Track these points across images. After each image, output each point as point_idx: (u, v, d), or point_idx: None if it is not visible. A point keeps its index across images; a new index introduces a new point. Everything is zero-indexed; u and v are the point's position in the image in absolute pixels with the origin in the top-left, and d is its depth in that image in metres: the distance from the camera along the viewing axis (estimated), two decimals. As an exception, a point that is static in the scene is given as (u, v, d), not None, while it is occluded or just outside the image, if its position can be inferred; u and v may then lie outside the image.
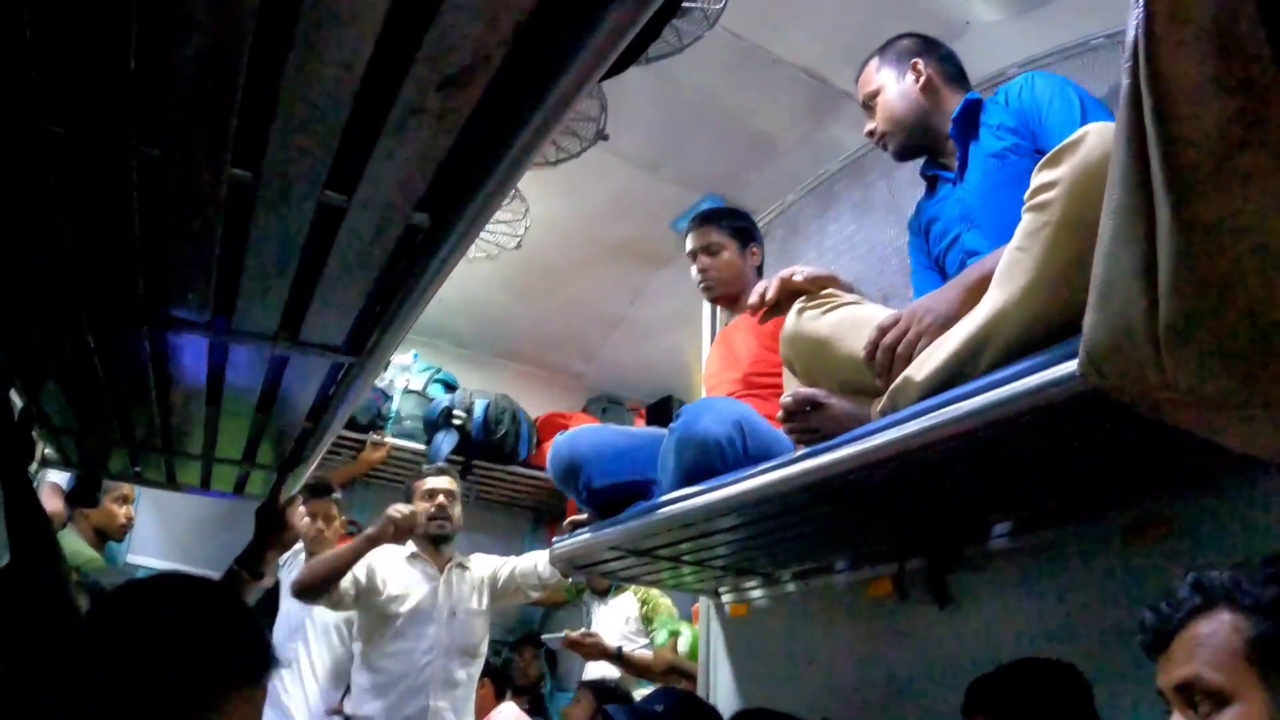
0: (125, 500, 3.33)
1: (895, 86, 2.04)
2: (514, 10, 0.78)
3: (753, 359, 2.45)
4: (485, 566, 3.39)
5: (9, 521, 1.62)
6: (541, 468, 3.36)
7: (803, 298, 1.79)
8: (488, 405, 4.60)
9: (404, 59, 0.83)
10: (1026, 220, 1.35)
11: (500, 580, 3.36)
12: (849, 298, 1.78)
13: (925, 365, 1.45)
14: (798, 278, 1.81)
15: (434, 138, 0.94)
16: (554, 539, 2.52)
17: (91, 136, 0.97)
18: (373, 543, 2.97)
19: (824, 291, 1.79)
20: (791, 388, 1.81)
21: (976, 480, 1.66)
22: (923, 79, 2.01)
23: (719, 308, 2.97)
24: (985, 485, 1.70)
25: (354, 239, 1.13)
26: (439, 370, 4.77)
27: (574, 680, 4.22)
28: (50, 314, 1.40)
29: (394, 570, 3.22)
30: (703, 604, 2.93)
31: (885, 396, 1.53)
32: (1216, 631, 0.98)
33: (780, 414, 1.74)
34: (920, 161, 2.11)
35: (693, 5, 2.63)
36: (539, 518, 5.27)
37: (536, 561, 3.35)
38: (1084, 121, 1.67)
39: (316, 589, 2.99)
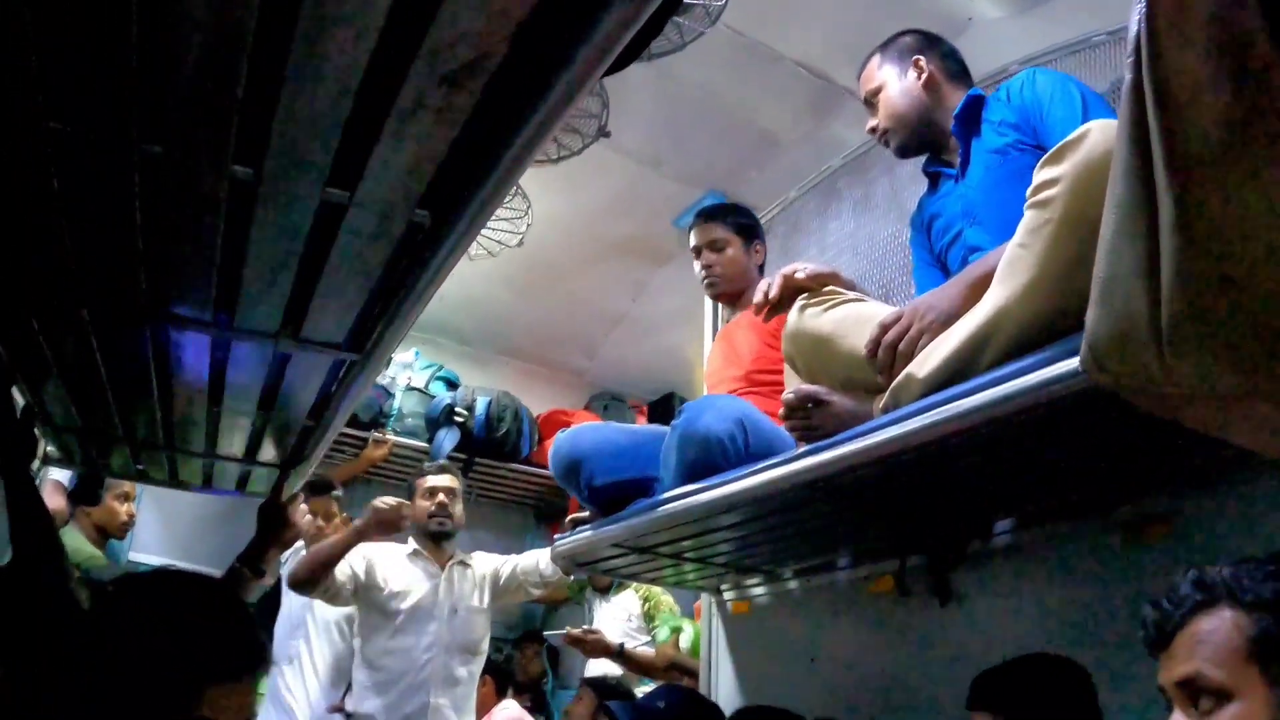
0: (127, 498, 3.33)
1: (897, 83, 2.03)
2: (515, 7, 0.78)
3: (755, 356, 2.45)
4: (487, 564, 3.39)
5: (11, 519, 1.63)
6: (543, 465, 3.36)
7: (805, 295, 1.79)
8: (489, 403, 4.59)
9: (405, 56, 0.83)
10: (1028, 217, 1.34)
11: (502, 578, 3.36)
12: (851, 295, 1.78)
13: (927, 362, 1.45)
14: (800, 275, 1.81)
15: (435, 135, 0.94)
16: (556, 536, 2.52)
17: (93, 134, 0.97)
18: (360, 535, 2.97)
19: (826, 289, 1.78)
20: (793, 385, 1.81)
21: (978, 477, 1.65)
22: (925, 75, 2.01)
23: (720, 305, 2.97)
24: (987, 482, 1.70)
25: (355, 236, 1.13)
26: (441, 368, 4.77)
27: (576, 677, 4.22)
28: (52, 312, 1.41)
29: (395, 567, 3.22)
30: (704, 601, 2.93)
31: (887, 394, 1.53)
32: (1218, 629, 0.98)
33: (782, 411, 1.74)
34: (922, 158, 2.11)
35: (695, 2, 2.63)
36: (541, 515, 5.27)
37: (538, 559, 3.35)
38: (1085, 118, 1.66)
39: (309, 580, 2.99)
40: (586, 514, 2.36)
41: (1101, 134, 1.26)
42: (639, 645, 3.74)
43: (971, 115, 1.93)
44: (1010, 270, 1.35)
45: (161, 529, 4.22)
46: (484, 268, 3.95)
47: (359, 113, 0.91)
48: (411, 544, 3.31)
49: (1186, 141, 0.72)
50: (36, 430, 1.89)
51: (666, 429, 2.10)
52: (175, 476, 2.31)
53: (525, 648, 4.70)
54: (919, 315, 1.54)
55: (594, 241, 4.24)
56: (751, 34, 3.07)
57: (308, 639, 3.49)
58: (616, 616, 4.03)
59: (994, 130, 1.88)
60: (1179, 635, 1.02)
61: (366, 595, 3.16)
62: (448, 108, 0.90)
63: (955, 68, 2.04)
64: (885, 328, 1.56)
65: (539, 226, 3.81)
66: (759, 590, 2.68)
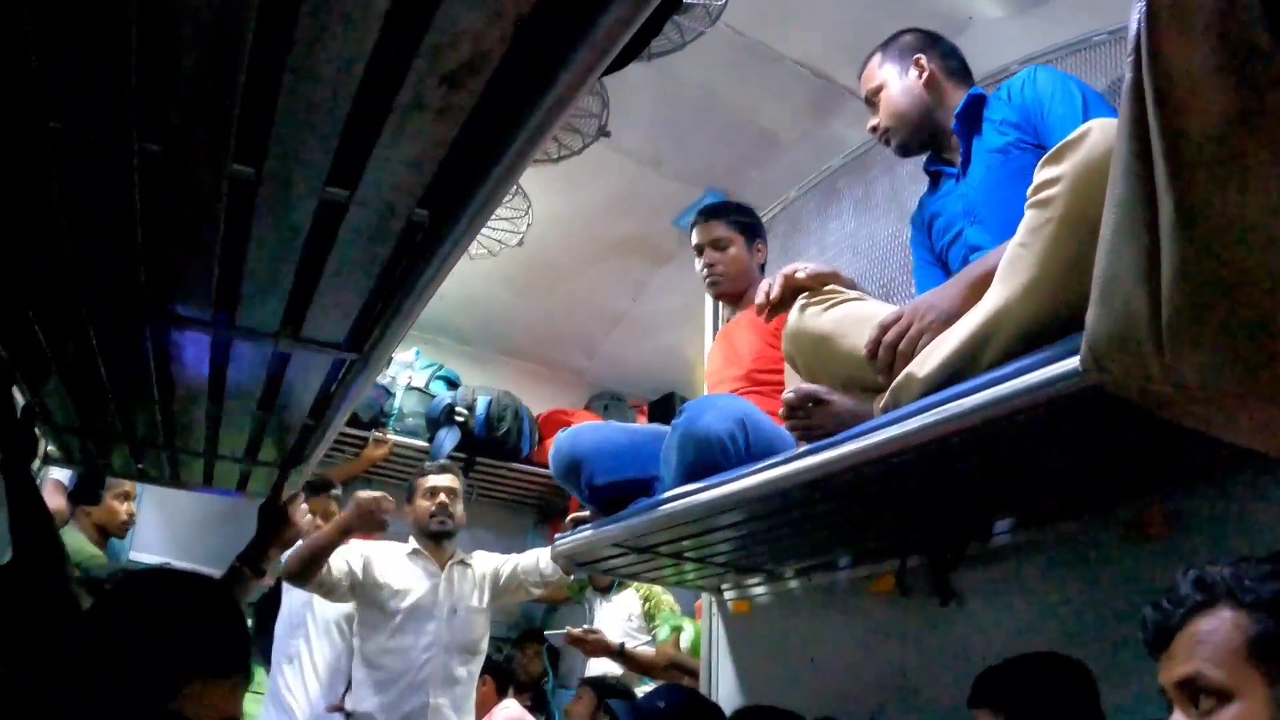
0: (127, 497, 3.33)
1: (898, 82, 2.03)
2: (515, 6, 0.78)
3: (755, 355, 2.45)
4: (487, 564, 3.39)
5: (11, 519, 1.63)
6: (544, 465, 3.36)
7: (805, 294, 1.79)
8: (490, 402, 4.59)
9: (405, 55, 0.83)
10: (1029, 217, 1.34)
11: (502, 577, 3.36)
12: (851, 294, 1.78)
13: (927, 362, 1.45)
14: (800, 274, 1.81)
15: (435, 134, 0.94)
16: (556, 536, 2.52)
17: (93, 134, 0.97)
18: (345, 528, 2.95)
19: (826, 288, 1.79)
20: (794, 384, 1.81)
21: (978, 477, 1.65)
22: (925, 74, 2.00)
23: (721, 304, 2.97)
24: (987, 482, 1.69)
25: (355, 235, 1.13)
26: (441, 367, 4.76)
27: (576, 677, 4.22)
28: (52, 311, 1.41)
29: (395, 567, 3.22)
30: (705, 601, 2.93)
31: (887, 393, 1.53)
32: (1218, 629, 0.98)
33: (782, 410, 1.74)
34: (923, 157, 2.11)
35: (695, 1, 2.63)
36: (541, 515, 5.27)
37: (538, 558, 3.35)
38: (1086, 117, 1.66)
39: (300, 574, 2.99)
40: (587, 513, 2.36)
41: (1102, 133, 1.26)
42: (639, 645, 3.74)
43: (972, 114, 1.93)
44: (1011, 270, 1.35)
45: (162, 528, 4.22)
46: (484, 267, 3.95)
47: (359, 111, 0.91)
48: (411, 543, 3.31)
49: (1187, 141, 0.72)
50: (37, 430, 1.89)
51: (667, 428, 2.10)
52: (175, 476, 2.31)
53: (526, 647, 4.70)
54: (919, 315, 1.54)
55: (594, 241, 4.24)
56: (751, 33, 3.06)
57: (308, 638, 3.49)
58: (617, 616, 4.02)
59: (995, 129, 1.88)
60: (1179, 635, 1.02)
61: (365, 594, 3.16)
62: (447, 106, 0.89)
63: (956, 66, 2.04)
64: (885, 327, 1.56)
65: (539, 226, 3.81)
66: (759, 590, 2.68)
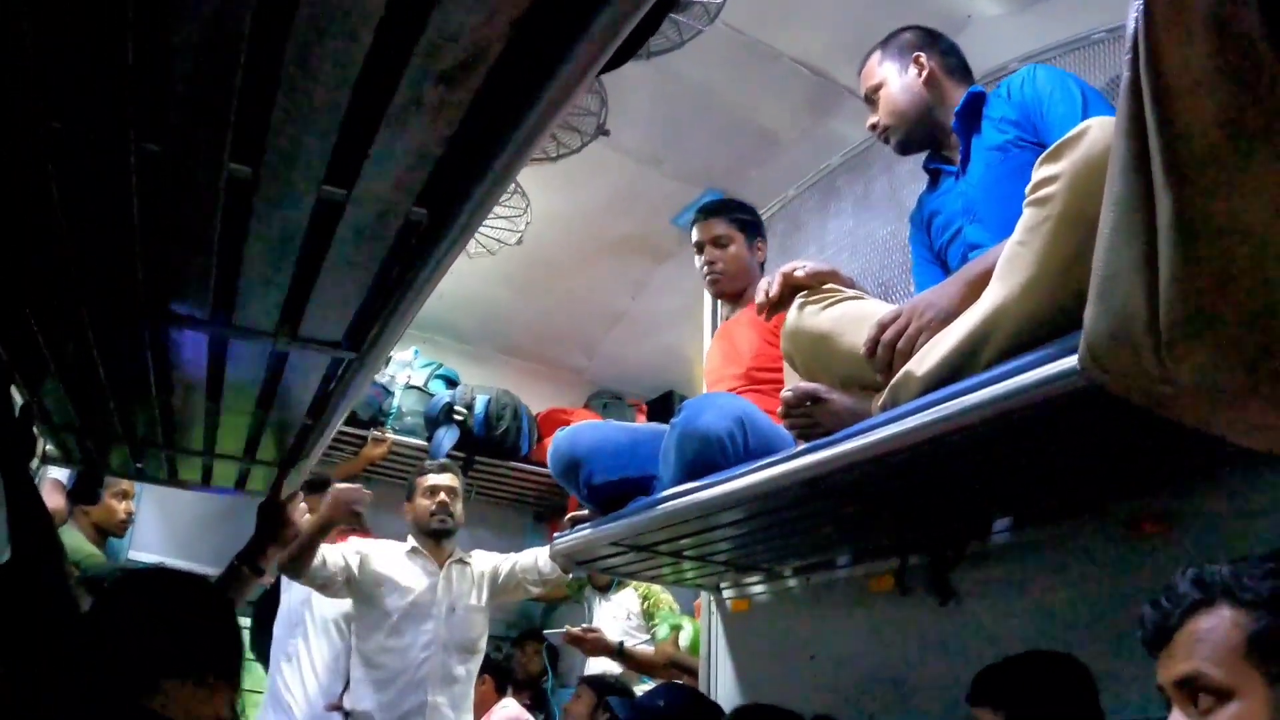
0: (125, 496, 3.33)
1: (898, 80, 2.03)
2: (512, 4, 0.78)
3: (755, 354, 2.45)
4: (485, 562, 3.39)
5: (10, 518, 1.62)
6: (543, 463, 3.36)
7: (804, 293, 1.79)
8: (489, 401, 4.59)
9: (402, 53, 0.83)
10: (1027, 215, 1.34)
11: (500, 576, 3.36)
12: (850, 293, 1.78)
13: (926, 360, 1.45)
14: (799, 273, 1.81)
15: (432, 132, 0.94)
16: (555, 534, 2.52)
17: (91, 133, 0.97)
18: (326, 520, 2.94)
19: (825, 286, 1.79)
20: (792, 383, 1.81)
21: (978, 475, 1.65)
22: (925, 72, 2.00)
23: (720, 302, 2.97)
24: (986, 480, 1.69)
25: (353, 234, 1.13)
26: (440, 366, 4.76)
27: (575, 676, 4.22)
28: (51, 310, 1.40)
29: (394, 565, 3.22)
30: (704, 599, 2.93)
31: (886, 391, 1.52)
32: (1217, 627, 0.98)
33: (781, 409, 1.74)
34: (922, 155, 2.11)
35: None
36: (540, 513, 5.27)
37: (537, 557, 3.35)
38: (1085, 115, 1.66)
39: (291, 568, 3.00)
40: (585, 512, 2.36)
41: (1100, 131, 1.26)
42: (638, 643, 3.74)
43: (972, 112, 1.93)
44: (1009, 268, 1.35)
45: (161, 527, 4.22)
46: (483, 266, 3.94)
47: (356, 110, 0.91)
48: (410, 541, 3.31)
49: (1185, 139, 0.72)
50: (35, 429, 1.89)
51: (666, 427, 2.10)
52: (174, 475, 2.30)
53: (525, 646, 4.70)
54: (917, 313, 1.54)
55: (593, 239, 4.24)
56: (750, 32, 3.06)
57: (306, 637, 3.48)
58: (616, 615, 4.02)
59: (994, 127, 1.88)
60: (1178, 634, 1.01)
61: (363, 592, 3.16)
62: (445, 105, 0.89)
63: (956, 64, 2.04)
64: (884, 326, 1.56)
65: (538, 224, 3.80)
66: (759, 588, 2.68)
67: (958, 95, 1.97)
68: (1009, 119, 1.86)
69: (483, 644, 3.36)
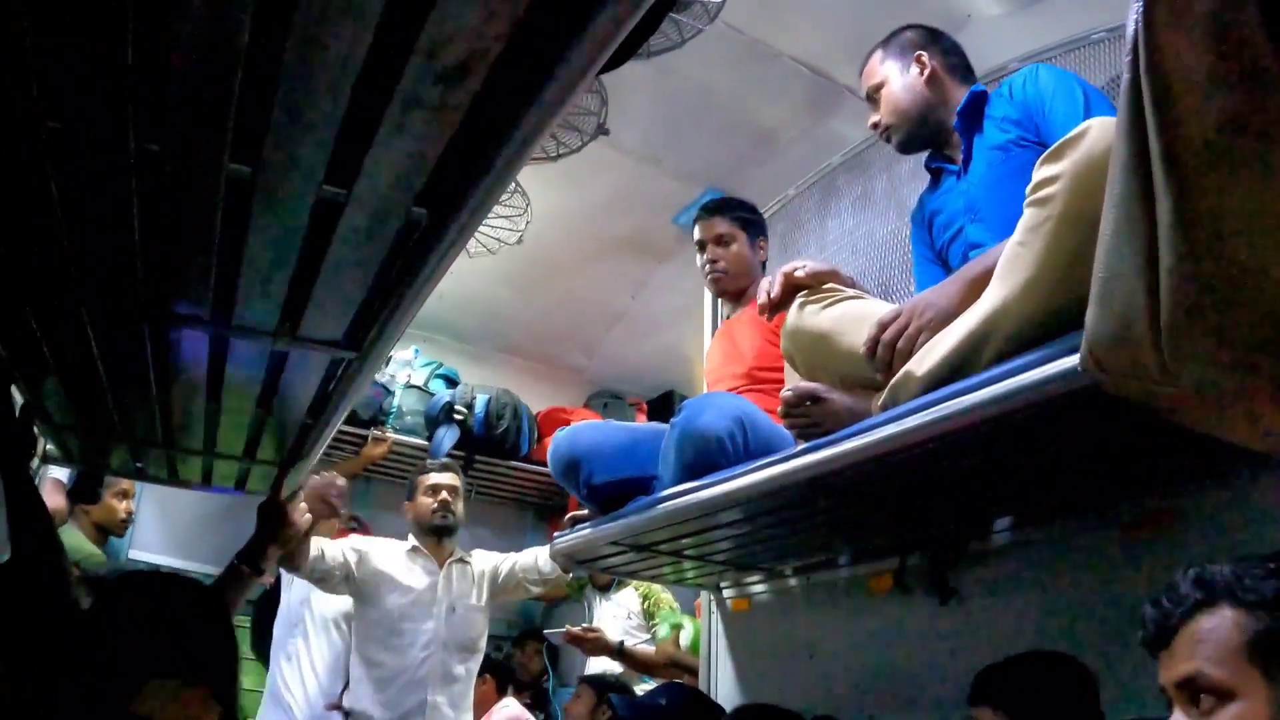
0: (125, 495, 3.33)
1: (900, 79, 2.03)
2: (511, 3, 0.78)
3: (756, 353, 2.45)
4: (485, 562, 3.39)
5: (10, 518, 1.62)
6: (543, 463, 3.36)
7: (804, 292, 1.79)
8: (489, 400, 4.59)
9: (401, 53, 0.83)
10: (1028, 215, 1.34)
11: (500, 575, 3.36)
12: (850, 292, 1.78)
13: (926, 360, 1.45)
14: (799, 273, 1.81)
15: (432, 132, 0.94)
16: (555, 534, 2.52)
17: (90, 133, 0.97)
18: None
19: (825, 286, 1.78)
20: (793, 382, 1.81)
21: (977, 475, 1.65)
22: (927, 71, 2.00)
23: (721, 301, 2.97)
24: (986, 480, 1.69)
25: (353, 234, 1.13)
26: (440, 365, 4.76)
27: (576, 675, 4.22)
28: (51, 310, 1.40)
29: (394, 564, 3.22)
30: (704, 599, 2.93)
31: (886, 391, 1.52)
32: (1218, 628, 0.98)
33: (780, 409, 1.74)
34: (923, 154, 2.11)
35: (693, -1, 2.63)
36: (540, 513, 5.27)
37: (537, 556, 3.35)
38: (1087, 115, 1.66)
39: (286, 561, 2.98)
40: (585, 511, 2.36)
41: (1101, 131, 1.26)
42: (639, 643, 3.74)
43: (974, 111, 1.93)
44: (1009, 268, 1.35)
45: (161, 527, 4.22)
46: (483, 265, 3.94)
47: (355, 111, 0.91)
48: (411, 540, 3.31)
49: (1185, 140, 0.72)
50: (35, 428, 1.89)
51: (665, 427, 2.10)
52: (174, 474, 2.30)
53: (525, 646, 4.71)
54: (917, 313, 1.54)
55: (593, 239, 4.24)
56: (750, 31, 3.06)
57: (306, 636, 3.49)
58: (616, 614, 4.03)
59: (996, 126, 1.88)
60: (1179, 634, 1.01)
61: (363, 590, 3.16)
62: (444, 105, 0.89)
63: (958, 63, 2.04)
64: (884, 325, 1.56)
65: (538, 224, 3.80)
66: (759, 588, 2.68)
67: (960, 94, 1.97)
68: (1011, 118, 1.86)
69: (483, 643, 3.36)
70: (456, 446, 4.45)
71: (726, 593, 2.80)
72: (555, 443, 2.38)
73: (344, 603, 3.34)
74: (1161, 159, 0.74)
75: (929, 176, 2.12)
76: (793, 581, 2.56)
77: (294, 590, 3.51)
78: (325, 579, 3.08)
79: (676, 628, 3.74)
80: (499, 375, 4.97)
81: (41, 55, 0.86)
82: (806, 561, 2.47)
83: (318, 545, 2.99)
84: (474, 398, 4.57)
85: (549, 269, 4.42)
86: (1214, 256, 0.74)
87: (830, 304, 1.75)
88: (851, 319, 1.69)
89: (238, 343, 1.47)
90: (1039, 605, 1.88)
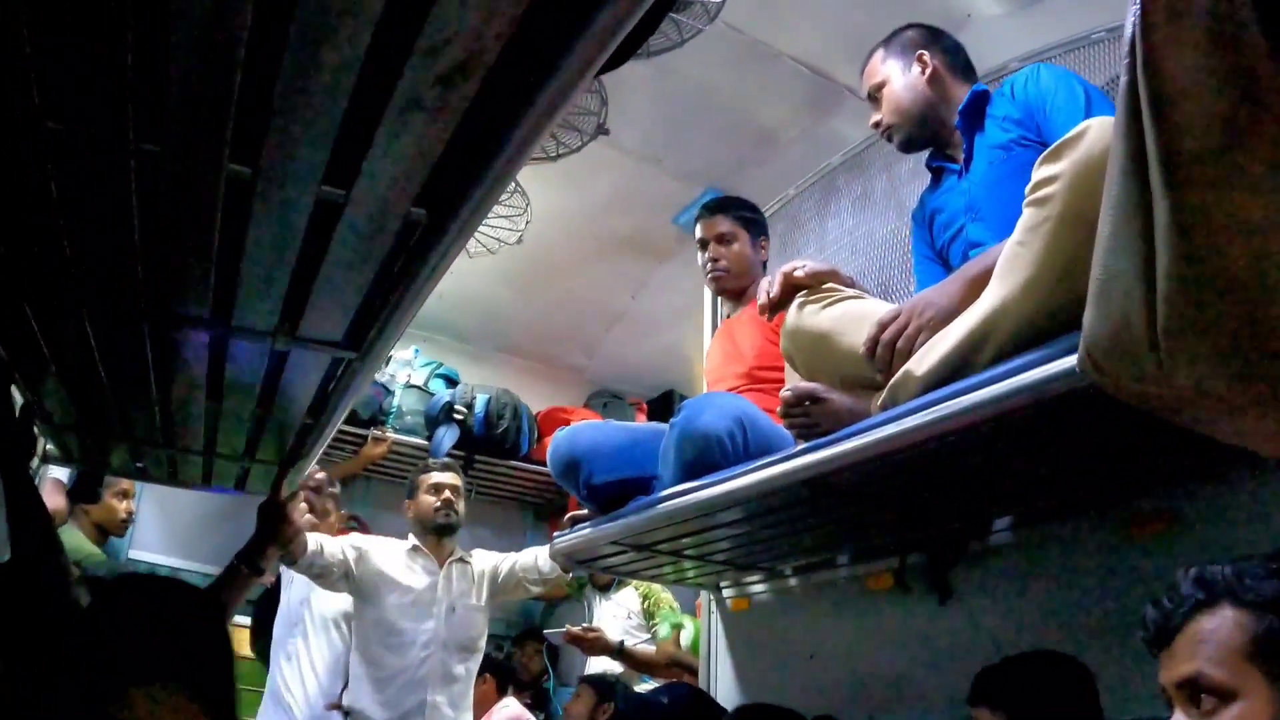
0: (125, 495, 3.33)
1: (901, 78, 2.03)
2: (511, 4, 0.78)
3: (757, 353, 2.45)
4: (485, 561, 3.39)
5: (10, 518, 1.62)
6: (543, 463, 3.36)
7: (804, 292, 1.79)
8: (489, 400, 4.59)
9: (401, 54, 0.83)
10: (1027, 215, 1.34)
11: (500, 575, 3.36)
12: (849, 292, 1.78)
13: (925, 360, 1.45)
14: (799, 273, 1.81)
15: (431, 133, 0.94)
16: (555, 534, 2.52)
17: (90, 133, 0.97)
18: None
19: (824, 286, 1.78)
20: (793, 382, 1.81)
21: (977, 475, 1.65)
22: (929, 70, 2.00)
23: (721, 300, 2.96)
24: (986, 480, 1.70)
25: (352, 235, 1.13)
26: (440, 365, 4.76)
27: (576, 675, 4.22)
28: (51, 310, 1.40)
29: (394, 563, 3.22)
30: (704, 598, 2.93)
31: (885, 391, 1.53)
32: (1219, 628, 0.98)
33: (780, 408, 1.74)
34: (923, 154, 2.11)
35: (693, -1, 2.63)
36: (540, 513, 5.27)
37: (537, 556, 3.35)
38: (1089, 114, 1.66)
39: (284, 555, 2.98)
40: (585, 511, 2.36)
41: (1100, 132, 1.26)
42: (639, 643, 3.74)
43: (976, 110, 1.93)
44: (1009, 268, 1.35)
45: (161, 527, 4.22)
46: (483, 265, 3.94)
47: (355, 111, 0.91)
48: (411, 540, 3.31)
49: (1182, 142, 0.72)
50: (36, 428, 1.89)
51: (665, 427, 2.10)
52: (174, 474, 2.30)
53: (525, 645, 4.71)
54: (917, 312, 1.54)
55: (593, 239, 4.24)
56: (750, 31, 3.06)
57: (305, 636, 3.48)
58: (616, 614, 4.02)
59: (998, 125, 1.88)
60: (1180, 634, 1.01)
61: (363, 589, 3.15)
62: (443, 106, 0.89)
63: (959, 62, 2.04)
64: (883, 325, 1.56)
65: (538, 223, 3.80)
66: (758, 587, 2.68)
67: (961, 93, 1.97)
68: (1012, 117, 1.86)
69: (482, 643, 3.36)
70: (456, 446, 4.45)
71: (726, 592, 2.80)
72: (555, 442, 2.38)
73: (344, 602, 3.34)
74: (1159, 161, 0.74)
75: (929, 176, 2.12)
76: (793, 581, 2.56)
77: (294, 590, 3.50)
78: (323, 575, 3.07)
79: (678, 627, 3.74)
80: (499, 375, 4.96)
81: (42, 56, 0.86)
82: (806, 561, 2.47)
83: (316, 540, 2.99)
84: (474, 397, 4.57)
85: (549, 269, 4.42)
86: (1211, 258, 0.74)
87: (830, 304, 1.75)
88: (851, 319, 1.70)
89: (238, 343, 1.47)
90: (1039, 605, 1.88)
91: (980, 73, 2.11)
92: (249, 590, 2.19)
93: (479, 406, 4.55)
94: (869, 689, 2.23)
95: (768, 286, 1.86)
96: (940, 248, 2.04)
